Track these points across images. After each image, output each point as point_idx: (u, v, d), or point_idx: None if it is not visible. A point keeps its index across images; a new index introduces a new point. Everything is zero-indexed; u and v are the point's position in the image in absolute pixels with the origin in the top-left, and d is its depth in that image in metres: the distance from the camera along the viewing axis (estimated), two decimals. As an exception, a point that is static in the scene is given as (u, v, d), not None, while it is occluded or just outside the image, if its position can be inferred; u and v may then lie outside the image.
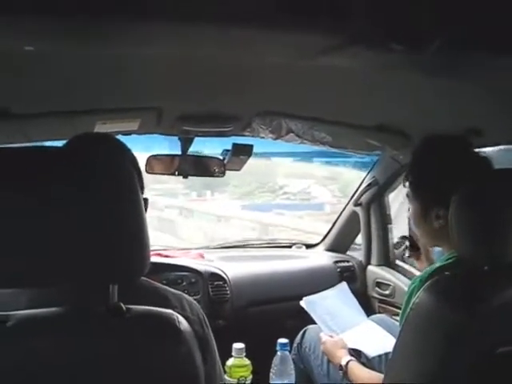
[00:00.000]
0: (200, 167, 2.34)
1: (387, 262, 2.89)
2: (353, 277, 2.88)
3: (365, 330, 2.33)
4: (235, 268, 2.77)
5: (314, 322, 2.33)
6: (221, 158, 2.36)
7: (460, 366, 1.22)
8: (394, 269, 2.84)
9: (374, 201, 2.88)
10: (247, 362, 1.81)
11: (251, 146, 2.28)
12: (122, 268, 1.00)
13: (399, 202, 3.29)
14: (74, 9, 0.90)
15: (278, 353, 1.85)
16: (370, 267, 2.94)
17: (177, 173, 2.31)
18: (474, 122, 1.71)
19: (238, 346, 1.82)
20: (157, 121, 1.98)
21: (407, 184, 1.67)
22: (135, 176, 1.02)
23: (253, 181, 8.84)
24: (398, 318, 1.77)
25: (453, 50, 1.06)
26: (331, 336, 2.17)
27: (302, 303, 2.38)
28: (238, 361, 1.79)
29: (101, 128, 1.85)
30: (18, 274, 0.96)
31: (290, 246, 3.31)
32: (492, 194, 1.27)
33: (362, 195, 2.90)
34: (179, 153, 2.28)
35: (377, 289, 2.83)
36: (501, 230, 1.25)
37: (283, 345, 1.85)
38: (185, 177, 2.32)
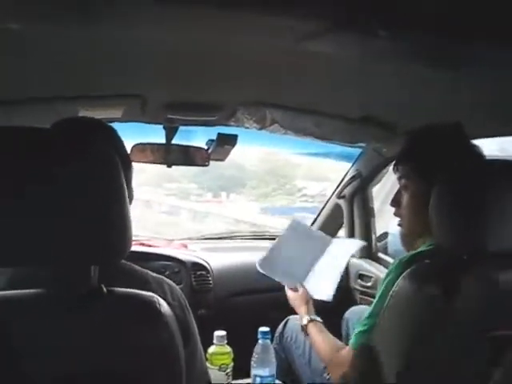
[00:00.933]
0: (184, 157, 2.33)
1: (370, 254, 2.90)
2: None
3: (324, 267, 2.26)
4: (218, 258, 2.78)
5: (296, 313, 2.34)
6: (205, 147, 2.35)
7: (439, 353, 1.23)
8: (376, 261, 2.86)
9: (358, 193, 2.89)
10: (228, 349, 1.82)
11: (235, 136, 2.28)
12: (103, 249, 1.00)
13: (383, 196, 3.32)
14: None
15: (260, 341, 1.86)
16: (352, 259, 2.94)
17: (161, 161, 2.30)
18: (458, 115, 1.72)
19: (220, 333, 1.83)
20: (141, 109, 1.97)
21: (407, 168, 1.68)
22: (118, 160, 1.02)
23: (271, 182, 8.47)
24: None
25: (439, 39, 1.07)
26: (296, 289, 2.15)
27: (257, 266, 2.28)
28: (220, 348, 1.80)
29: (84, 114, 1.85)
30: None
31: (273, 238, 3.31)
32: (472, 183, 1.28)
33: (345, 188, 2.91)
34: (163, 142, 2.27)
35: (359, 281, 2.85)
36: (479, 219, 1.26)
37: (264, 333, 1.86)
38: (169, 166, 2.32)
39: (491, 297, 1.25)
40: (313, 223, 3.22)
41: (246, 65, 1.52)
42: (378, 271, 2.74)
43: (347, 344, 1.70)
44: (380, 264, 2.81)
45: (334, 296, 2.10)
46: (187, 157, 2.33)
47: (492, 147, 2.01)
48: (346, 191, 2.92)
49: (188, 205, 8.76)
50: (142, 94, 1.85)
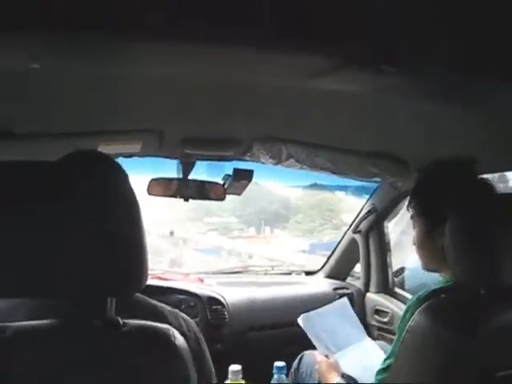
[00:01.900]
0: (200, 191, 2.35)
1: (386, 289, 2.89)
2: (352, 304, 2.86)
3: (362, 352, 2.32)
4: (234, 293, 2.77)
5: (311, 348, 2.33)
6: (221, 182, 2.38)
7: None
8: (393, 296, 2.84)
9: (373, 228, 2.89)
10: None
11: (252, 171, 2.30)
12: (120, 282, 1.01)
13: (399, 231, 3.31)
14: (78, 27, 0.93)
15: (275, 376, 1.84)
16: (368, 294, 2.94)
17: (178, 196, 2.33)
18: (471, 149, 1.73)
19: (235, 368, 1.82)
20: (158, 143, 2.00)
21: (412, 205, 1.70)
22: (135, 193, 1.04)
23: (316, 217, 7.83)
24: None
25: (448, 74, 1.08)
26: (327, 356, 2.16)
27: (299, 320, 2.37)
28: (235, 383, 1.79)
29: (103, 150, 1.87)
30: (17, 285, 0.97)
31: (289, 273, 3.31)
32: (488, 218, 1.28)
33: (361, 222, 2.91)
34: (180, 177, 2.31)
35: (375, 316, 2.83)
36: (496, 254, 1.26)
37: (280, 368, 1.85)
38: (186, 200, 2.34)
39: (508, 333, 1.24)
40: (329, 258, 3.22)
41: (261, 101, 1.55)
42: (394, 306, 2.72)
43: None
44: (397, 299, 2.79)
45: None
46: (203, 191, 2.36)
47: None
48: (362, 226, 2.92)
49: (230, 244, 8.17)
50: (159, 128, 1.88)
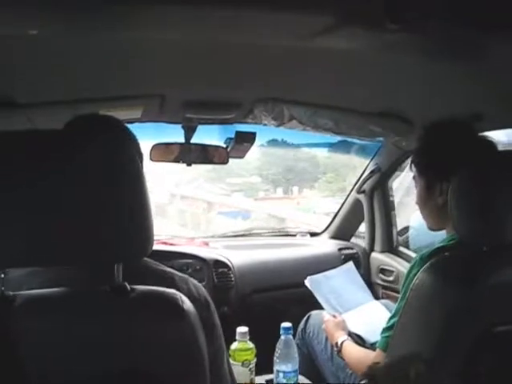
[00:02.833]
0: (204, 155, 2.35)
1: (391, 248, 2.90)
2: (357, 264, 2.87)
3: (368, 312, 2.35)
4: (239, 255, 2.79)
5: (318, 308, 2.35)
6: (224, 145, 2.37)
7: (459, 344, 1.24)
8: (397, 255, 2.85)
9: (377, 188, 2.88)
10: (251, 345, 1.83)
11: (254, 134, 2.29)
12: (126, 248, 1.02)
13: (403, 190, 3.30)
14: None
15: (282, 337, 1.86)
16: (373, 254, 2.95)
17: (181, 161, 2.32)
18: (475, 107, 1.72)
19: (242, 329, 1.84)
20: (159, 108, 1.99)
21: (414, 164, 1.71)
22: (138, 159, 1.04)
23: (348, 175, 6.85)
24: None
25: (452, 30, 1.06)
26: (334, 316, 2.19)
27: (307, 282, 2.41)
28: (242, 344, 1.82)
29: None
30: (26, 254, 0.98)
31: (294, 235, 3.32)
32: (491, 175, 1.28)
33: (364, 182, 2.91)
34: (182, 141, 2.30)
35: (380, 275, 2.85)
36: (499, 211, 1.26)
37: (286, 329, 1.87)
38: (188, 165, 2.34)
39: (508, 289, 1.25)
40: (333, 218, 3.23)
41: (262, 62, 1.53)
42: (399, 265, 2.73)
43: None
44: (401, 258, 2.81)
45: None
46: (206, 155, 2.35)
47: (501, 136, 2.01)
48: (366, 186, 2.91)
49: (258, 205, 7.67)
50: (160, 93, 1.87)
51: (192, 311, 1.08)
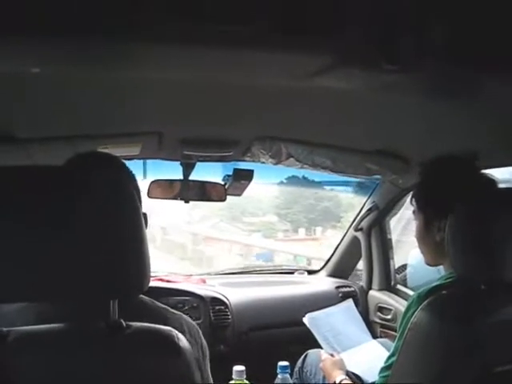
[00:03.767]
0: (201, 192, 2.36)
1: (389, 286, 2.89)
2: (355, 302, 2.87)
3: (367, 352, 2.33)
4: (236, 293, 2.77)
5: (315, 347, 2.33)
6: (222, 183, 2.38)
7: None
8: (395, 293, 2.84)
9: (375, 226, 2.88)
10: (248, 384, 1.81)
11: (252, 171, 2.30)
12: (122, 284, 1.01)
13: (401, 227, 3.31)
14: (78, 32, 0.93)
15: (279, 375, 1.85)
16: (371, 292, 2.94)
17: (179, 198, 2.33)
18: (472, 146, 1.73)
19: (239, 368, 1.82)
20: (158, 145, 2.01)
21: (414, 199, 1.72)
22: (136, 195, 1.05)
23: None
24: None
25: (449, 70, 1.08)
26: (332, 355, 2.16)
27: (305, 319, 2.39)
28: (239, 383, 1.79)
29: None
30: (20, 289, 0.97)
31: (292, 272, 3.31)
32: (489, 212, 1.29)
33: (362, 220, 2.91)
34: (181, 178, 2.31)
35: (378, 313, 2.83)
36: (497, 249, 1.26)
37: (284, 367, 1.85)
38: (186, 202, 2.35)
39: (509, 328, 1.24)
40: (331, 256, 3.22)
41: (260, 101, 1.55)
42: (397, 303, 2.71)
43: None
44: (399, 296, 2.79)
45: None
46: (204, 192, 2.36)
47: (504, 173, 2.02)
48: (364, 224, 2.91)
49: (282, 246, 7.27)
50: (158, 130, 1.88)
51: (188, 349, 1.07)
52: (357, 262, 3.15)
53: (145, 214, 1.33)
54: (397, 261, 2.97)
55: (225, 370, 1.80)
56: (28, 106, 1.49)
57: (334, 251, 3.21)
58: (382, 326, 2.80)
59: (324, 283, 3.07)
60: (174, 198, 2.32)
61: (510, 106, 1.34)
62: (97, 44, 0.99)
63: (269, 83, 1.32)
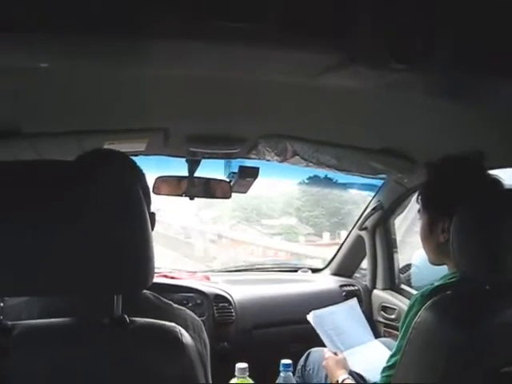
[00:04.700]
0: (206, 189, 2.36)
1: (393, 286, 2.88)
2: (358, 301, 2.86)
3: (370, 351, 2.33)
4: (240, 290, 2.77)
5: (318, 345, 2.33)
6: (227, 180, 2.38)
7: None
8: (399, 293, 2.83)
9: (379, 225, 2.88)
10: (250, 381, 1.81)
11: (257, 169, 2.30)
12: (126, 279, 1.01)
13: (406, 226, 3.30)
14: (88, 28, 0.93)
15: (281, 373, 1.84)
16: (375, 291, 2.94)
17: (184, 194, 2.33)
18: (478, 145, 1.73)
19: (241, 365, 1.82)
20: (164, 142, 2.01)
21: (420, 198, 1.71)
22: (140, 192, 1.04)
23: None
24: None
25: (455, 71, 1.08)
26: (335, 353, 2.16)
27: (309, 316, 2.38)
28: (241, 380, 1.79)
29: (108, 148, 1.88)
30: (25, 283, 0.98)
31: (295, 270, 3.31)
32: (494, 212, 1.28)
33: (366, 219, 2.91)
34: (186, 174, 2.31)
35: (382, 313, 2.82)
36: (502, 250, 1.26)
37: (286, 365, 1.84)
38: (191, 198, 2.35)
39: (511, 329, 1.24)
40: (335, 255, 3.22)
41: (267, 98, 1.55)
42: (401, 303, 2.71)
43: None
44: (403, 296, 2.79)
45: None
46: (209, 189, 2.36)
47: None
48: (368, 223, 2.91)
49: (307, 251, 6.70)
50: (165, 126, 1.89)
51: (191, 345, 1.07)
52: (361, 261, 3.14)
53: (153, 214, 1.34)
54: (401, 260, 2.97)
55: (227, 368, 1.80)
56: (34, 101, 1.50)
57: (338, 250, 3.21)
58: (386, 325, 2.79)
59: (328, 282, 3.07)
60: (180, 194, 2.32)
61: None
62: (103, 40, 1.00)
63: (276, 81, 1.32)
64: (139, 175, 1.39)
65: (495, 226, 1.26)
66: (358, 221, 3.01)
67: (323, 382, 2.16)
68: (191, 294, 2.59)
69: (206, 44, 1.01)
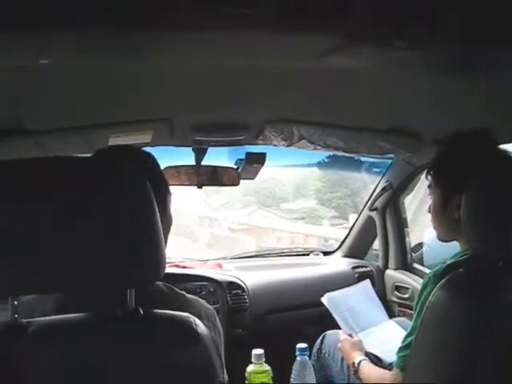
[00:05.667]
0: (214, 177, 2.36)
1: (405, 265, 2.88)
2: (371, 281, 2.86)
3: (385, 332, 2.33)
4: (253, 276, 2.77)
5: (332, 328, 2.33)
6: (235, 167, 2.37)
7: (478, 363, 1.22)
8: (412, 272, 2.83)
9: (389, 205, 2.87)
10: (267, 367, 1.81)
11: (264, 154, 2.30)
12: (138, 273, 1.01)
13: (416, 205, 3.29)
14: (88, 22, 0.92)
15: (298, 358, 1.85)
16: (388, 271, 2.93)
17: (192, 183, 2.33)
18: (484, 121, 1.71)
19: (258, 351, 1.82)
20: (169, 132, 2.00)
21: (430, 175, 1.69)
22: (149, 186, 1.04)
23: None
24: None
25: (458, 47, 1.06)
26: (350, 335, 2.17)
27: (323, 299, 2.39)
28: (258, 367, 1.79)
29: (114, 141, 1.88)
30: (38, 281, 0.98)
31: (307, 254, 3.31)
32: (506, 188, 1.27)
33: (376, 200, 2.90)
34: (193, 163, 2.31)
35: (396, 292, 2.82)
36: None
37: (302, 350, 1.85)
38: (199, 187, 2.35)
39: None
40: (346, 237, 3.21)
41: (270, 83, 1.54)
42: (414, 282, 2.71)
43: None
44: (416, 275, 2.78)
45: None
46: (217, 177, 2.36)
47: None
48: (378, 203, 2.90)
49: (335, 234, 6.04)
50: (170, 117, 1.88)
51: (206, 334, 1.07)
52: (372, 242, 3.14)
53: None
54: (412, 239, 2.96)
55: (244, 354, 1.81)
56: (37, 96, 1.49)
57: (349, 231, 3.20)
58: (400, 304, 2.79)
59: (340, 264, 3.07)
60: (188, 183, 2.32)
61: None
62: (104, 32, 0.99)
63: (279, 65, 1.31)
64: (155, 170, 1.39)
65: (507, 200, 1.25)
66: (367, 202, 3.00)
67: (339, 364, 2.16)
68: (204, 283, 2.59)
69: (206, 32, 1.00)
